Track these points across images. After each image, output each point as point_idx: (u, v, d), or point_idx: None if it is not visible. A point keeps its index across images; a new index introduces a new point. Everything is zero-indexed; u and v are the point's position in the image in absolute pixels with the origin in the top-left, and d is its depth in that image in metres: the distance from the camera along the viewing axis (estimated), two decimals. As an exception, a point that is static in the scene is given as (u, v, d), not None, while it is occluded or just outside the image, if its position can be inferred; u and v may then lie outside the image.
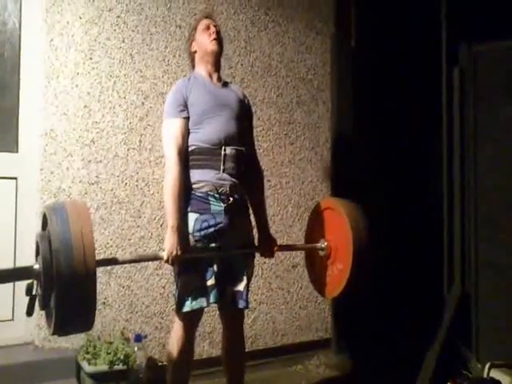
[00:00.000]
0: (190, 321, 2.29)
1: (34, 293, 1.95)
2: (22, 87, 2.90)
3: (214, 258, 2.24)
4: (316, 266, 2.67)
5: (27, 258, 2.80)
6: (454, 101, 3.23)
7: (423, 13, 3.54)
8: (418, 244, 3.64)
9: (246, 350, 2.57)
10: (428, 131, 3.53)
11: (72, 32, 2.92)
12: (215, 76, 2.45)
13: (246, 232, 2.41)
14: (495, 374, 2.70)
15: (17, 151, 2.90)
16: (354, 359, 3.54)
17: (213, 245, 2.25)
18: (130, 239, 3.02)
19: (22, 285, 2.78)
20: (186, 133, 2.29)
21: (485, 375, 2.74)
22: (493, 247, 3.08)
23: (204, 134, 2.28)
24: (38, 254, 1.92)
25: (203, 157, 2.28)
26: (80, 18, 2.94)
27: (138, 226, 3.05)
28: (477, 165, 3.16)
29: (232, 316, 2.42)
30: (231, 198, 2.28)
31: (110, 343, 2.73)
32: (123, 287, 2.99)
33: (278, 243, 2.52)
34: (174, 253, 2.13)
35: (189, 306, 2.22)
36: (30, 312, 1.97)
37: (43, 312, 2.08)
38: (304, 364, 3.47)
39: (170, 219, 2.17)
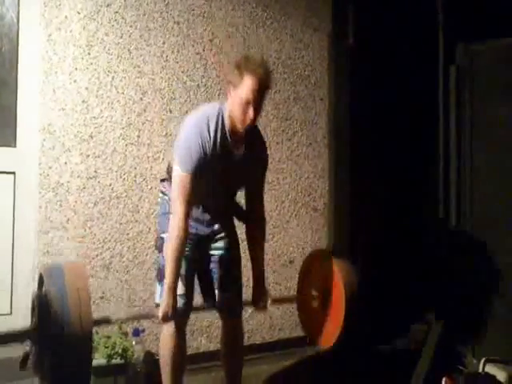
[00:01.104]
0: (177, 324, 2.28)
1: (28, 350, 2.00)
2: (20, 82, 2.89)
3: (203, 273, 2.32)
4: (308, 317, 2.70)
5: (24, 253, 2.82)
6: (451, 98, 3.24)
7: (420, 10, 3.55)
8: (416, 238, 3.65)
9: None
10: (425, 129, 3.54)
11: (70, 27, 2.92)
12: (239, 136, 2.18)
13: (231, 235, 2.42)
14: (490, 369, 2.73)
15: (15, 146, 2.90)
16: (351, 354, 3.54)
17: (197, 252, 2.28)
18: (128, 234, 3.03)
19: (20, 279, 2.82)
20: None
21: (480, 370, 2.77)
22: (490, 247, 3.10)
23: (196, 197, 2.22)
24: (33, 313, 1.93)
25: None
26: (78, 13, 2.94)
27: (136, 221, 3.06)
28: (473, 163, 3.18)
29: (230, 316, 2.44)
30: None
31: (108, 337, 2.73)
32: (121, 281, 3.00)
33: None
34: (170, 313, 2.14)
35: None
36: (23, 366, 2.00)
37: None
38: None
39: (168, 278, 2.14)
